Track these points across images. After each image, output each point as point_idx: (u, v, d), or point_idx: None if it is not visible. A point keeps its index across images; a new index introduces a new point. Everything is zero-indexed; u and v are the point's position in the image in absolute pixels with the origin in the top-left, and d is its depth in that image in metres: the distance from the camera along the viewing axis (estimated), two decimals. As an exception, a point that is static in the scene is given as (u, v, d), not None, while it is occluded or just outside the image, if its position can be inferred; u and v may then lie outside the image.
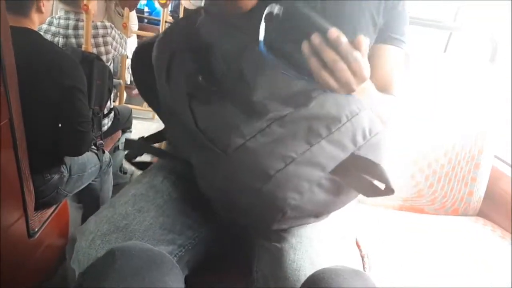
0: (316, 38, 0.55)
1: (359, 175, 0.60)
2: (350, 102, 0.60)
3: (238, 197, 0.61)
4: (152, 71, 0.73)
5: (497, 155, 1.43)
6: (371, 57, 0.61)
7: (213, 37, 0.70)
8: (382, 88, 0.77)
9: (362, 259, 0.98)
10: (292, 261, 0.64)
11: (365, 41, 0.55)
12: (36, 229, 1.22)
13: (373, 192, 0.60)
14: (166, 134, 0.76)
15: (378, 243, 1.06)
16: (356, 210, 0.86)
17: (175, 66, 0.69)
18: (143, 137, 0.83)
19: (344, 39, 0.54)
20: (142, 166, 0.87)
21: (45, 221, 1.29)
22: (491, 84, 1.37)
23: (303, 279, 0.61)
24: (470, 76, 1.39)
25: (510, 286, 0.99)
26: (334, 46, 0.55)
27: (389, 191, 0.58)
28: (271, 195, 0.58)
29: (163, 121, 0.79)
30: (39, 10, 1.32)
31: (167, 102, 0.71)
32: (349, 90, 0.58)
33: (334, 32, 0.54)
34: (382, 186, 0.59)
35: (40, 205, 1.28)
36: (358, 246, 1.02)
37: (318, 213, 0.66)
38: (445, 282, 0.97)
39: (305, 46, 0.56)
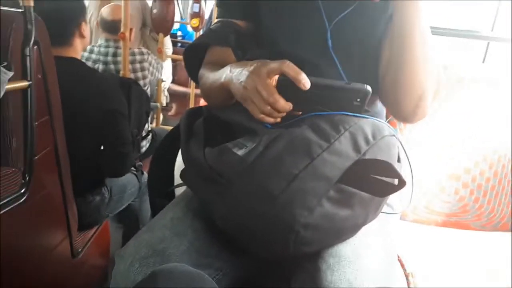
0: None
1: (368, 177, 0.59)
2: (346, 118, 0.61)
3: (249, 225, 0.61)
4: None
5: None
6: None
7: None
8: None
9: (407, 279, 0.94)
10: (329, 282, 0.61)
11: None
12: (79, 250, 1.26)
13: (386, 190, 0.59)
14: (182, 178, 0.79)
15: (422, 262, 1.02)
16: (398, 227, 0.83)
17: (197, 127, 0.76)
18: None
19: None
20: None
21: (87, 242, 1.33)
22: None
23: None
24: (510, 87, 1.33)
25: None
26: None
27: (401, 184, 0.57)
28: (279, 216, 0.57)
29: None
30: (81, 35, 1.37)
31: (186, 152, 0.75)
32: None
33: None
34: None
35: (83, 226, 1.32)
36: (402, 264, 0.98)
37: (338, 230, 0.63)
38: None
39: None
